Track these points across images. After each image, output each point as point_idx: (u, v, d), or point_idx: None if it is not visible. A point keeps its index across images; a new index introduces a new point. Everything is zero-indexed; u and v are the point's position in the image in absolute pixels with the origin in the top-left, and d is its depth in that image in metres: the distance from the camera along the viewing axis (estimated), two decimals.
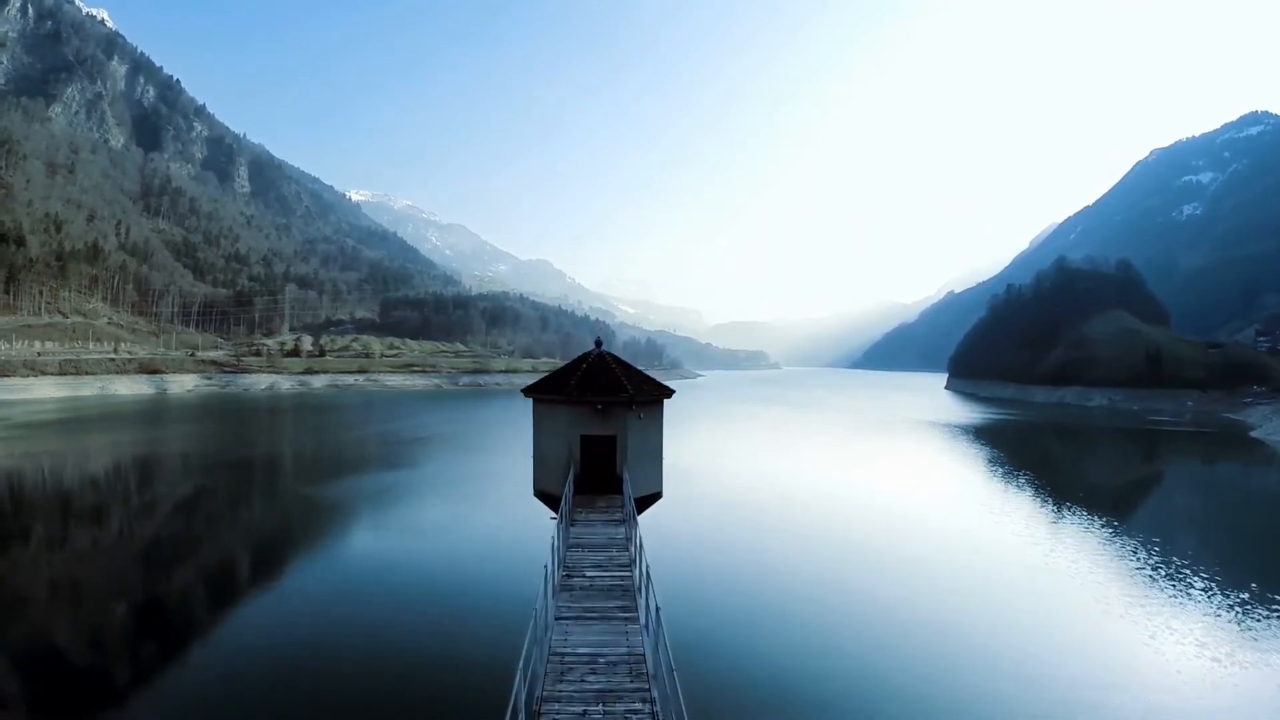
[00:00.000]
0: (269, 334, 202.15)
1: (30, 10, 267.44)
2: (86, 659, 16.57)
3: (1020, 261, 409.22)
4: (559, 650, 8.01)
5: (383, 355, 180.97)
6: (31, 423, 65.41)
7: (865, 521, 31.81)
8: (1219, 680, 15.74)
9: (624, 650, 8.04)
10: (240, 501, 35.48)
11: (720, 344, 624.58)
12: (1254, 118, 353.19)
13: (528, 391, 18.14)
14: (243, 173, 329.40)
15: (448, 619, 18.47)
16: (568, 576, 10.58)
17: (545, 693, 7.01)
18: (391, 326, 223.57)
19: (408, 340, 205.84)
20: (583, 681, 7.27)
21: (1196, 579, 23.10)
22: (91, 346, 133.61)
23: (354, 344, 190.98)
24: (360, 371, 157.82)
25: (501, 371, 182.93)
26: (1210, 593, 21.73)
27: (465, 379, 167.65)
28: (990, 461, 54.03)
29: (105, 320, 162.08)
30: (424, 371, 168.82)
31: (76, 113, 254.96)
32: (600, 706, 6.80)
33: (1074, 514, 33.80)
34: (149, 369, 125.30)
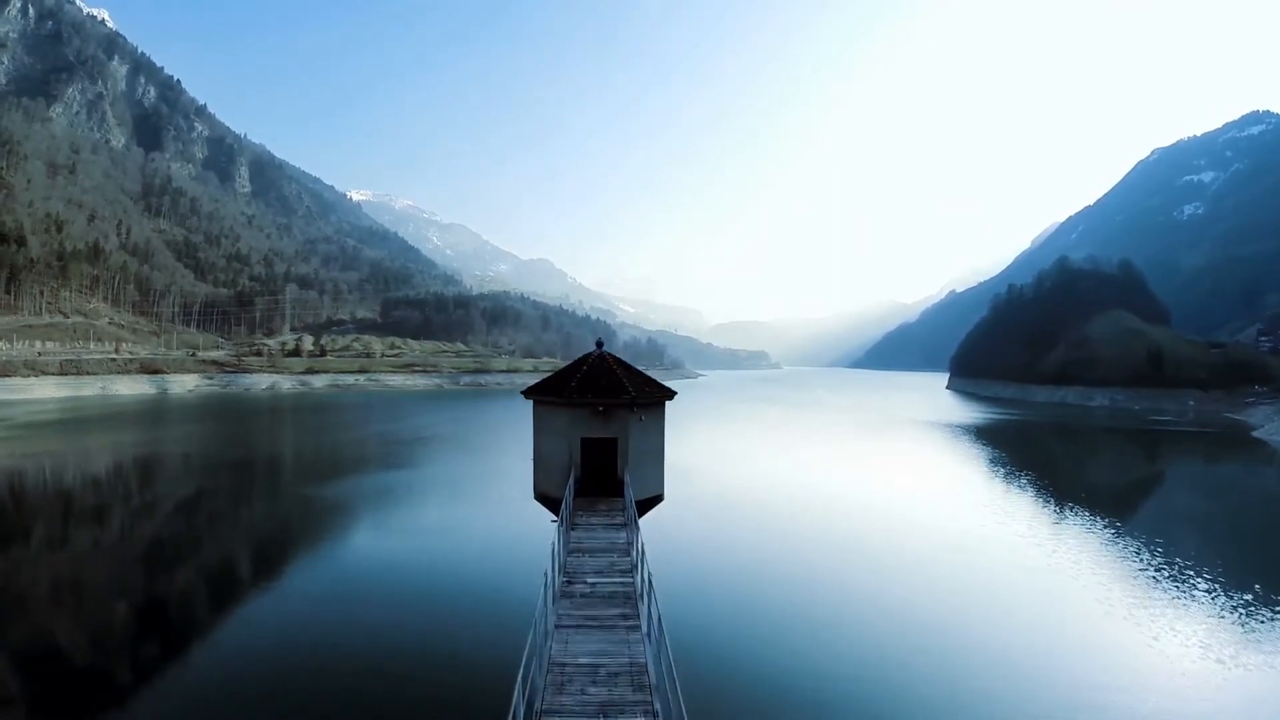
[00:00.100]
0: (270, 334, 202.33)
1: (31, 10, 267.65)
2: (87, 659, 16.56)
3: (1021, 261, 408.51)
4: (559, 660, 7.89)
5: (384, 355, 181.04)
6: (33, 423, 65.41)
7: (868, 523, 31.71)
8: (1223, 682, 15.66)
9: (625, 660, 7.92)
10: (241, 502, 35.44)
11: (721, 344, 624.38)
12: (1255, 117, 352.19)
13: (528, 393, 18.00)
14: (243, 172, 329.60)
15: (447, 621, 18.41)
16: (568, 582, 10.48)
17: (545, 705, 6.88)
18: (392, 326, 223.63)
19: (409, 340, 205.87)
20: (583, 693, 7.15)
21: (1199, 580, 23.00)
22: (92, 346, 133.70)
23: (355, 344, 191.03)
24: (361, 371, 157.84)
25: (503, 371, 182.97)
26: (1213, 594, 21.63)
27: (466, 379, 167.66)
28: (992, 462, 53.91)
29: (106, 320, 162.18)
30: (425, 371, 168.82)
31: (77, 113, 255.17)
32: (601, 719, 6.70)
33: (1076, 514, 33.69)
34: (150, 369, 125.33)
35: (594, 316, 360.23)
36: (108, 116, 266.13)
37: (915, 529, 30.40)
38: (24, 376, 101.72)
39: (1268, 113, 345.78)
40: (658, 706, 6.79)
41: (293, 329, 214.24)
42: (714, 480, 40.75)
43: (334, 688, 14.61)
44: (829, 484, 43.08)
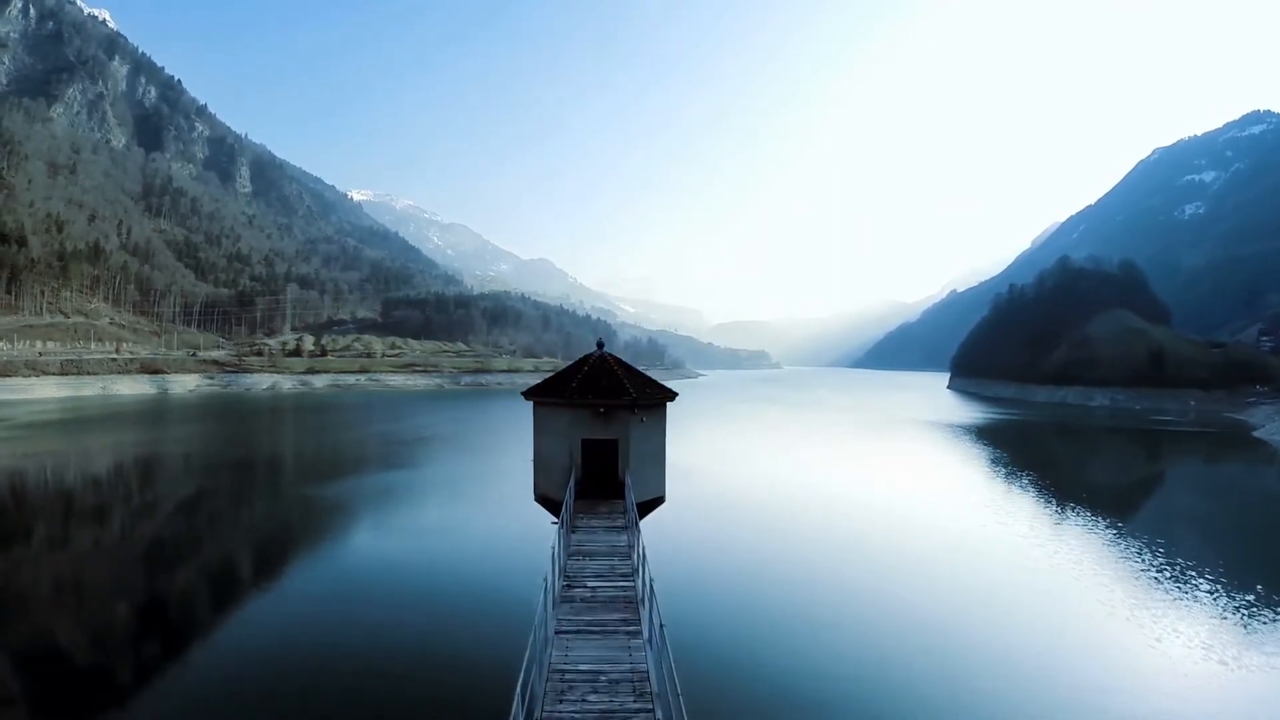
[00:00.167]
0: (270, 334, 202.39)
1: (32, 11, 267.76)
2: (88, 658, 16.57)
3: (1022, 261, 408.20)
4: (559, 667, 7.83)
5: (384, 355, 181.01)
6: (33, 423, 65.43)
7: (869, 523, 31.67)
8: (1225, 683, 15.63)
9: (626, 667, 7.85)
10: (241, 502, 35.46)
11: (722, 343, 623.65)
12: (1256, 116, 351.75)
13: (528, 394, 17.90)
14: (244, 172, 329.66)
15: (447, 622, 18.39)
16: (568, 587, 10.42)
17: (545, 713, 6.82)
18: (393, 326, 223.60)
19: (409, 340, 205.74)
20: (584, 701, 7.09)
21: (1201, 580, 22.95)
22: (93, 346, 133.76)
23: (355, 344, 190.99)
24: (362, 371, 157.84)
25: (503, 371, 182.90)
26: (1215, 594, 21.58)
27: (467, 379, 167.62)
28: (993, 462, 53.87)
29: (107, 320, 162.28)
30: (425, 371, 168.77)
31: (78, 113, 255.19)
32: None
33: (1077, 515, 33.65)
34: (151, 369, 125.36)
35: (594, 316, 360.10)
36: (108, 116, 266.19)
37: (916, 529, 30.35)
38: (25, 376, 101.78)
39: (1268, 112, 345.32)
40: (659, 715, 6.72)
41: (293, 329, 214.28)
42: (715, 481, 40.70)
43: (334, 688, 14.60)
44: (830, 484, 43.04)
